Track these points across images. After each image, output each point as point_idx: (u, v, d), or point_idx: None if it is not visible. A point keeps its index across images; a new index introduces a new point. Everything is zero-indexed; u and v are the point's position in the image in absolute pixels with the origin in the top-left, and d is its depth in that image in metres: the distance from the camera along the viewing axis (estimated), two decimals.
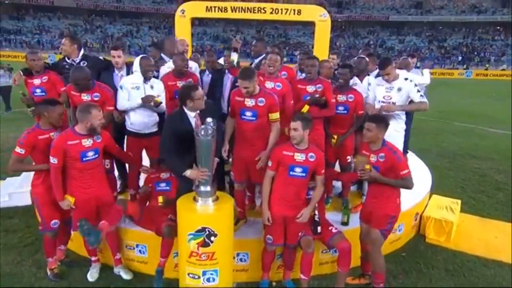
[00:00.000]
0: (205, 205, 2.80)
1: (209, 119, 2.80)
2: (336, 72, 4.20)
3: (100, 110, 2.99)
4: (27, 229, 4.03)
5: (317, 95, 3.63)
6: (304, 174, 2.95)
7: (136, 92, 3.55)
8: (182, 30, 7.53)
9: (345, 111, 3.77)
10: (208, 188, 2.81)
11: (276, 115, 3.19)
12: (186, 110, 3.01)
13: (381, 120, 2.95)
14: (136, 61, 3.60)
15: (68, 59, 4.07)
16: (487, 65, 36.43)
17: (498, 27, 41.85)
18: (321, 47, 7.56)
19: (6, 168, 3.40)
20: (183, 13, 7.63)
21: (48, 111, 3.04)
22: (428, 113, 11.19)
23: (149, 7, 45.27)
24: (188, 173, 2.87)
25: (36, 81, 3.81)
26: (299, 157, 2.93)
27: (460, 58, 38.92)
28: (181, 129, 2.94)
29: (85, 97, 3.46)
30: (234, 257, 3.25)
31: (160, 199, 3.28)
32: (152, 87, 3.60)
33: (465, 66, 36.58)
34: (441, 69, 35.28)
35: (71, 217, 3.17)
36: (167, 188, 3.46)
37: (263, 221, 3.12)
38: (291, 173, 2.95)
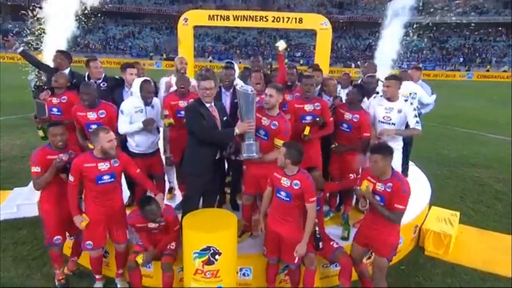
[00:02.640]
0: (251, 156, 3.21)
1: (237, 81, 3.30)
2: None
3: (109, 131, 3.04)
4: (35, 241, 4.12)
5: (316, 118, 3.73)
6: (288, 199, 2.99)
7: (140, 115, 3.61)
8: (185, 38, 7.66)
9: (348, 129, 3.81)
10: (252, 141, 3.20)
11: (281, 143, 3.23)
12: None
13: (386, 149, 2.90)
14: (136, 83, 3.64)
15: (89, 79, 4.23)
16: (488, 66, 36.38)
17: (500, 28, 41.77)
18: (322, 55, 7.68)
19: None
20: (186, 21, 7.75)
21: (49, 131, 3.13)
22: (430, 118, 11.31)
23: (150, 8, 45.36)
24: (237, 130, 3.15)
25: (55, 100, 3.93)
26: (285, 182, 2.98)
27: (461, 59, 38.87)
28: (204, 113, 3.18)
29: (91, 115, 3.55)
30: (237, 272, 3.34)
31: (139, 259, 3.14)
32: (152, 107, 3.72)
33: (466, 67, 36.53)
34: (442, 71, 35.27)
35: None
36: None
37: (254, 229, 3.28)
38: (277, 194, 3.05)
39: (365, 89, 4.11)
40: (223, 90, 4.20)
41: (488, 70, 35.33)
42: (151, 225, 3.15)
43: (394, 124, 3.69)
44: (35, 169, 3.06)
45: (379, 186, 2.93)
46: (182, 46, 7.70)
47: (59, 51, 4.36)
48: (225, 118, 3.36)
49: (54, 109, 3.92)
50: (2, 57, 30.04)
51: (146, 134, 3.68)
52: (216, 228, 2.89)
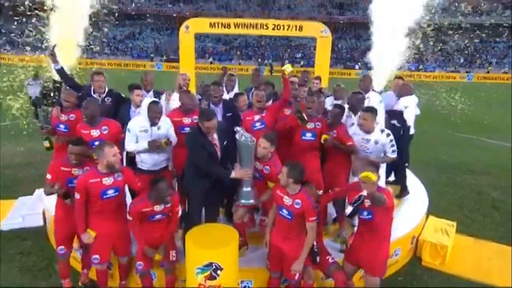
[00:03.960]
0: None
1: (238, 128, 3.36)
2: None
3: (113, 146, 3.14)
4: (41, 252, 4.21)
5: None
6: (289, 217, 3.08)
7: (144, 135, 3.65)
8: (186, 45, 7.75)
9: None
10: (249, 188, 3.32)
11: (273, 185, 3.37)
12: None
13: (375, 167, 3.02)
14: (145, 103, 3.72)
15: (94, 93, 4.31)
16: (489, 68, 36.42)
17: (501, 30, 41.78)
18: (322, 62, 7.78)
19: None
20: (187, 29, 7.85)
21: (68, 149, 3.25)
22: (430, 122, 11.43)
23: (151, 9, 45.39)
24: (233, 174, 3.24)
25: (63, 117, 4.02)
26: (287, 200, 3.08)
27: (462, 60, 38.90)
28: (205, 144, 3.30)
29: (95, 132, 3.65)
30: (238, 284, 3.44)
31: (158, 256, 3.31)
32: (159, 128, 3.70)
33: (467, 69, 36.57)
34: (442, 73, 35.30)
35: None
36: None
37: (263, 244, 3.38)
38: (280, 212, 3.15)
39: (352, 106, 4.25)
40: (212, 105, 4.25)
41: (488, 72, 35.36)
42: (157, 208, 3.19)
43: (372, 153, 3.76)
44: (47, 175, 3.25)
45: (369, 202, 2.98)
46: (183, 53, 7.81)
47: (96, 73, 4.44)
48: (225, 143, 3.44)
49: (62, 126, 4.02)
50: (3, 58, 30.15)
51: (151, 152, 3.74)
52: (217, 244, 2.99)
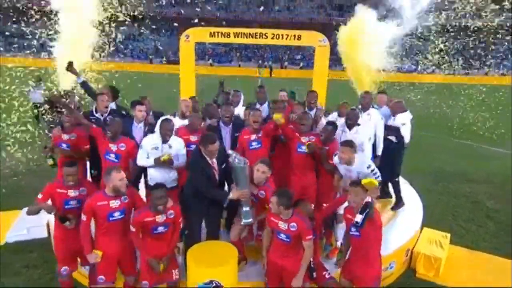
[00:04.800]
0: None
1: (231, 151, 3.57)
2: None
3: (120, 171, 3.25)
4: (46, 265, 4.32)
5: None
6: (288, 240, 3.22)
7: (155, 152, 3.83)
8: (186, 54, 7.86)
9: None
10: (248, 208, 3.50)
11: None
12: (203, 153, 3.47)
13: (358, 184, 3.19)
14: (159, 121, 3.97)
15: (96, 112, 4.45)
16: (487, 70, 36.58)
17: (499, 32, 41.88)
18: (320, 71, 7.89)
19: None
20: (187, 38, 7.95)
21: (64, 171, 3.37)
22: (427, 128, 11.53)
23: (151, 10, 45.43)
24: (231, 195, 3.45)
25: (65, 137, 4.17)
26: (282, 225, 3.22)
27: (460, 62, 39.01)
28: (205, 167, 3.47)
29: (114, 147, 3.87)
30: None
31: (162, 267, 3.29)
32: (170, 146, 3.89)
33: (466, 70, 36.71)
34: (441, 75, 35.35)
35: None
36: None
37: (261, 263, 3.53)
38: (277, 236, 3.28)
39: (347, 121, 4.42)
40: (222, 125, 4.39)
41: (486, 74, 35.53)
42: (159, 218, 3.24)
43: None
44: (39, 195, 3.33)
45: (358, 218, 3.08)
46: (184, 62, 7.92)
47: (109, 86, 4.60)
48: (223, 166, 3.58)
49: (64, 145, 4.17)
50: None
51: (159, 169, 3.89)
52: (217, 262, 3.13)
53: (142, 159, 3.91)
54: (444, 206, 6.43)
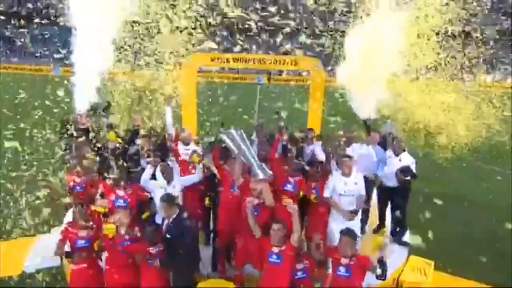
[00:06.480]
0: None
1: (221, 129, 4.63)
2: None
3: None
4: None
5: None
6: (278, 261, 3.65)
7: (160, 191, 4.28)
8: (187, 79, 8.21)
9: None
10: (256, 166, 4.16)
11: None
12: None
13: (351, 234, 3.58)
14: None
15: None
16: (487, 76, 36.67)
17: (499, 37, 41.93)
18: (316, 94, 8.27)
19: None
20: (189, 62, 8.33)
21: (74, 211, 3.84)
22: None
23: None
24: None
25: (78, 180, 4.74)
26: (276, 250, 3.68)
27: (460, 67, 39.09)
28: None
29: (121, 192, 4.37)
30: None
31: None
32: (174, 186, 4.36)
33: (466, 76, 36.79)
34: (441, 80, 35.48)
35: None
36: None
37: None
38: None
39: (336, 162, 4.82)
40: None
41: (485, 80, 35.64)
42: (153, 250, 3.65)
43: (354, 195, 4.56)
44: (60, 236, 3.85)
45: (344, 260, 3.53)
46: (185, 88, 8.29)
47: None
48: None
49: (77, 187, 4.70)
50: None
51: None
52: None
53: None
54: (431, 229, 6.69)
